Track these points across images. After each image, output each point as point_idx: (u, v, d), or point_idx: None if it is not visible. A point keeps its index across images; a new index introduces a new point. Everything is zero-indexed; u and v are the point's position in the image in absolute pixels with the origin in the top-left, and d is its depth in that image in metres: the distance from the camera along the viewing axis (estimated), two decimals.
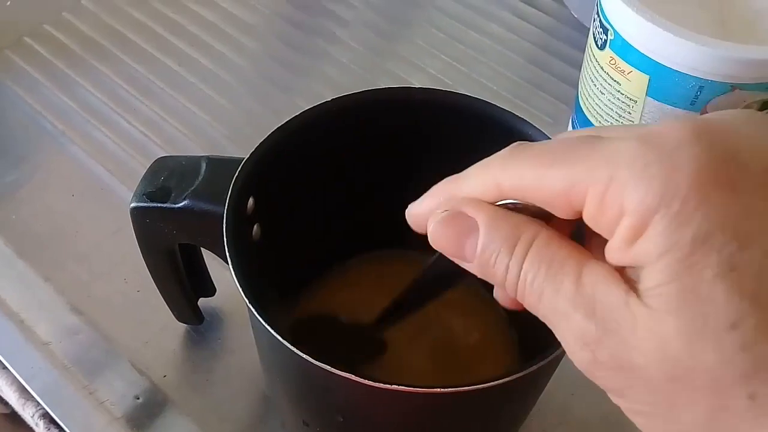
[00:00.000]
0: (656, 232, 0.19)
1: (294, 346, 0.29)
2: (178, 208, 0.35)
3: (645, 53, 0.43)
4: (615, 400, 0.22)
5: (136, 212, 0.37)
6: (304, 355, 0.29)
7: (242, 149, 0.57)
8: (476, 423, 0.34)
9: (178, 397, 0.45)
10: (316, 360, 0.29)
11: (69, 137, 0.58)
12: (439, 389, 0.28)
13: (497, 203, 0.23)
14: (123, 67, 0.63)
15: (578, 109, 0.53)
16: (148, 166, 0.38)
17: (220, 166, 0.36)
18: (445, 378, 0.40)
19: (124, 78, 0.62)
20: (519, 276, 0.22)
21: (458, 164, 0.40)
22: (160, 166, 0.37)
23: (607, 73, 0.47)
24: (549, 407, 0.44)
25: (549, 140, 0.23)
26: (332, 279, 0.44)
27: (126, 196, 0.54)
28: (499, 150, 0.37)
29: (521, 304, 0.23)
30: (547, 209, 0.22)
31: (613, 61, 0.46)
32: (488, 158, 0.24)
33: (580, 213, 0.21)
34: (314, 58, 0.64)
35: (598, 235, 0.21)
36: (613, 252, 0.20)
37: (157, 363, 0.47)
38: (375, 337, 0.39)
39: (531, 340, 0.40)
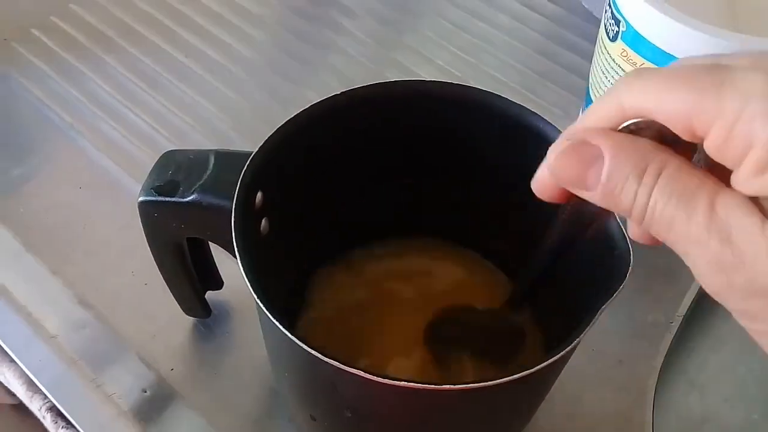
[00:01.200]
0: None
1: (302, 341, 0.29)
2: (186, 202, 0.35)
3: (657, 45, 0.43)
4: (744, 322, 0.22)
5: (144, 206, 0.36)
6: (313, 351, 0.29)
7: (250, 141, 0.57)
8: (484, 419, 0.34)
9: (185, 390, 0.45)
10: (323, 355, 0.28)
11: (77, 130, 0.58)
12: (447, 386, 0.28)
13: (621, 126, 0.23)
14: (130, 59, 0.63)
15: (589, 101, 0.52)
16: (156, 159, 0.37)
17: (228, 160, 0.36)
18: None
19: (132, 70, 0.62)
20: (648, 204, 0.22)
21: (469, 158, 0.40)
22: (168, 159, 0.37)
23: (619, 66, 0.46)
24: (559, 402, 0.44)
25: (672, 65, 0.23)
26: (342, 271, 0.44)
27: (134, 189, 0.53)
28: (509, 144, 0.37)
29: (650, 237, 0.24)
30: (671, 130, 0.22)
31: (624, 53, 0.45)
32: (615, 83, 0.24)
33: (700, 138, 0.21)
34: (322, 49, 0.64)
35: (717, 166, 0.22)
36: (742, 182, 0.21)
37: (164, 356, 0.47)
38: (513, 325, 0.39)
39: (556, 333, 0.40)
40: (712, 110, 0.20)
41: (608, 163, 0.23)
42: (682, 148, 0.23)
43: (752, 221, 0.21)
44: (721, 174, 0.22)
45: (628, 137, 0.23)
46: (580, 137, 0.23)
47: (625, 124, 0.23)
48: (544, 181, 0.26)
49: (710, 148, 0.21)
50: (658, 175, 0.22)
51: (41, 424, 0.55)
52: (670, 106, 0.21)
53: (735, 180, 0.21)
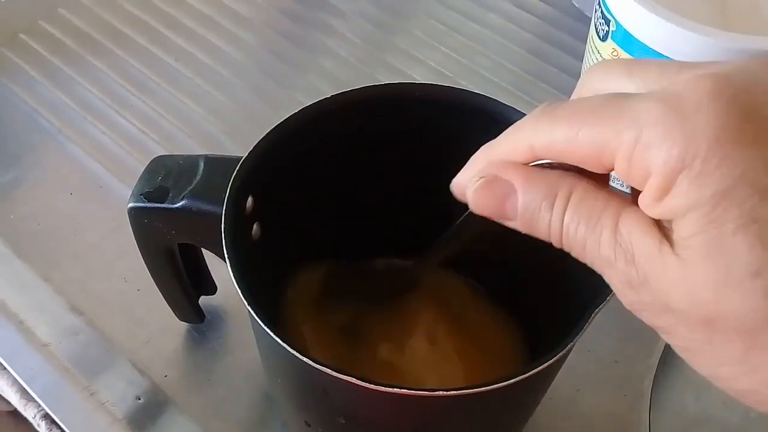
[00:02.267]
0: (681, 191, 0.20)
1: (294, 348, 0.29)
2: (176, 208, 0.35)
3: (647, 44, 0.43)
4: (664, 337, 0.23)
5: (133, 212, 0.36)
6: (305, 359, 0.28)
7: (240, 145, 0.57)
8: (479, 425, 0.34)
9: (179, 397, 0.45)
10: (317, 363, 0.28)
11: (66, 135, 0.58)
12: (441, 392, 0.28)
13: (531, 164, 0.24)
14: (119, 63, 0.62)
15: None
16: (145, 163, 0.37)
17: (218, 165, 0.35)
18: (452, 376, 0.40)
19: (121, 74, 0.61)
20: (562, 230, 0.23)
21: (461, 161, 0.39)
22: (158, 165, 0.37)
23: None
24: (555, 403, 0.43)
25: (578, 100, 0.23)
26: (336, 274, 0.44)
27: (124, 194, 0.53)
28: None
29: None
30: (580, 167, 0.23)
31: (615, 53, 0.45)
32: (520, 120, 0.25)
33: (612, 169, 0.22)
34: (312, 52, 0.64)
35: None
36: (645, 206, 0.22)
37: (157, 363, 0.46)
38: (407, 277, 0.40)
39: (538, 336, 0.40)
40: (612, 142, 0.21)
41: (520, 196, 0.24)
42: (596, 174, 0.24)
43: (651, 242, 0.21)
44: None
45: (534, 169, 0.24)
46: (493, 173, 0.25)
47: (536, 164, 0.24)
48: (461, 192, 0.27)
49: (620, 175, 0.22)
50: (567, 200, 0.23)
51: (36, 431, 0.55)
52: (576, 148, 0.22)
53: (640, 204, 0.22)
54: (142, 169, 0.37)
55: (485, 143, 0.38)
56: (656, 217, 0.21)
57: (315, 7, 0.67)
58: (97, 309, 0.48)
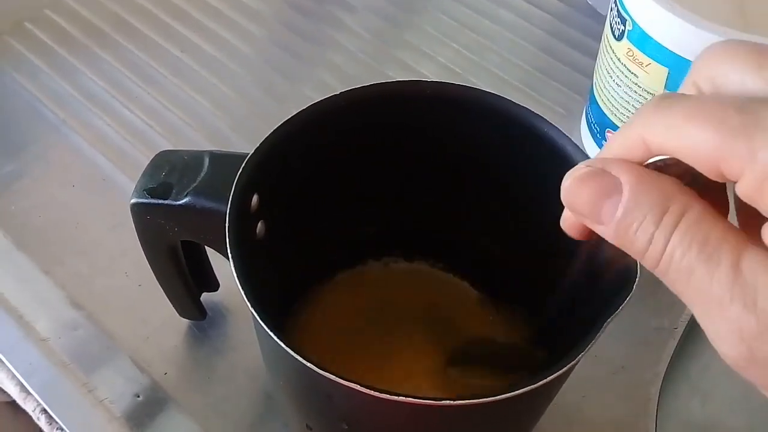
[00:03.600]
0: None
1: (297, 352, 0.28)
2: (180, 205, 0.34)
3: (664, 45, 0.42)
4: None
5: (136, 208, 0.35)
6: (308, 363, 0.28)
7: (246, 139, 0.56)
8: None
9: (179, 395, 0.44)
10: (321, 369, 0.28)
11: (70, 126, 0.57)
12: (446, 402, 0.27)
13: (646, 163, 0.21)
14: (125, 54, 0.61)
15: (593, 101, 0.51)
16: (150, 157, 0.36)
17: (223, 161, 0.35)
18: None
19: (127, 65, 0.61)
20: (665, 250, 0.20)
21: (470, 160, 0.39)
22: (162, 160, 0.36)
23: (624, 65, 0.45)
24: (560, 409, 0.42)
25: (705, 98, 0.21)
26: (340, 274, 0.43)
27: (128, 187, 0.52)
28: (512, 146, 0.36)
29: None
30: (696, 169, 0.20)
31: (630, 53, 0.44)
32: (634, 114, 0.22)
33: (730, 181, 0.20)
34: (321, 46, 0.63)
35: (753, 210, 0.20)
36: None
37: (158, 360, 0.46)
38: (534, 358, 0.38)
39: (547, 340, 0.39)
40: (743, 155, 0.19)
41: (626, 197, 0.21)
42: (711, 194, 0.21)
43: None
44: (748, 215, 0.20)
45: (651, 173, 0.21)
46: (600, 165, 0.22)
47: (650, 161, 0.21)
48: (567, 217, 0.24)
49: (742, 194, 0.19)
50: (680, 219, 0.20)
51: (36, 423, 0.55)
52: (695, 147, 0.20)
53: (765, 233, 0.19)
54: (147, 163, 0.36)
55: (498, 143, 0.37)
56: None
57: (325, 1, 0.66)
58: (97, 304, 0.48)
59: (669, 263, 0.20)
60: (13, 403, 0.64)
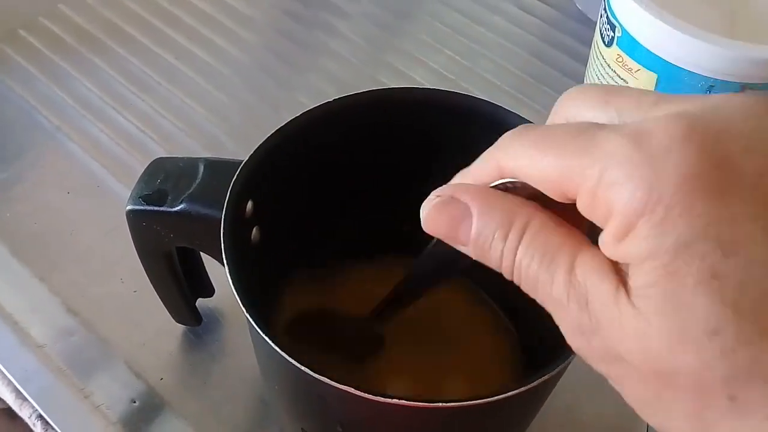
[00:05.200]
0: (641, 236, 0.19)
1: (292, 356, 0.28)
2: (175, 212, 0.34)
3: (653, 51, 0.42)
4: (614, 386, 0.22)
5: (132, 215, 0.36)
6: (303, 367, 0.28)
7: (241, 145, 0.56)
8: None
9: (175, 400, 0.45)
10: (315, 372, 0.28)
11: (64, 133, 0.57)
12: (440, 404, 0.28)
13: (494, 183, 0.23)
14: (120, 61, 0.62)
15: None
16: (145, 163, 0.37)
17: (218, 168, 0.35)
18: (446, 383, 0.40)
19: (121, 72, 0.61)
20: (514, 263, 0.22)
21: (462, 166, 0.39)
22: (157, 167, 0.36)
23: (614, 71, 0.46)
24: (552, 411, 0.43)
25: (552, 126, 0.22)
26: (335, 279, 0.43)
27: (122, 194, 0.53)
28: None
29: None
30: (543, 192, 0.22)
31: (620, 59, 0.45)
32: (497, 141, 0.24)
33: (574, 200, 0.21)
34: (314, 52, 0.63)
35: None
36: (604, 246, 0.21)
37: (153, 365, 0.46)
38: (374, 333, 0.39)
39: (534, 341, 0.40)
40: (577, 175, 0.20)
41: (475, 220, 0.23)
42: (568, 212, 0.22)
43: (607, 288, 0.20)
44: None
45: (495, 193, 0.23)
46: (449, 193, 0.24)
47: (497, 183, 0.23)
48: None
49: (581, 209, 0.21)
50: (522, 232, 0.22)
51: (31, 429, 0.55)
52: (541, 172, 0.21)
53: (600, 243, 0.21)
54: (141, 169, 0.37)
55: (485, 148, 0.38)
56: (614, 260, 0.20)
57: (317, 8, 0.67)
58: (93, 310, 0.48)
59: (519, 274, 0.22)
60: (9, 410, 0.64)
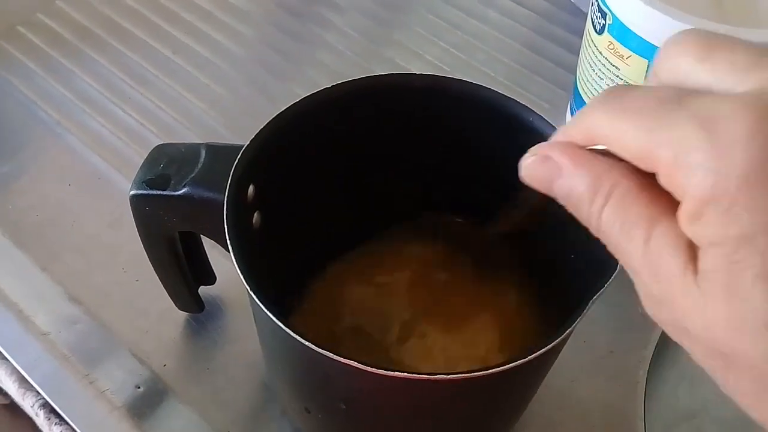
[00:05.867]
0: (708, 223, 0.20)
1: (297, 333, 0.29)
2: (178, 195, 0.35)
3: (643, 37, 0.43)
4: (688, 350, 0.23)
5: (135, 200, 0.36)
6: (306, 342, 0.29)
7: (239, 137, 0.56)
8: (479, 409, 0.34)
9: (178, 386, 0.45)
10: (317, 347, 0.29)
11: (64, 127, 0.58)
12: (440, 376, 0.28)
13: (590, 147, 0.24)
14: (118, 56, 0.62)
15: (576, 94, 0.52)
16: (144, 155, 0.37)
17: (219, 153, 0.36)
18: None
19: (119, 67, 0.62)
20: (599, 225, 0.23)
21: (459, 149, 0.40)
22: (160, 153, 0.37)
23: (606, 58, 0.47)
24: (551, 393, 0.44)
25: (640, 91, 0.23)
26: (334, 266, 0.44)
27: (123, 185, 0.53)
28: (499, 134, 0.38)
29: None
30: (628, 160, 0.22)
31: (611, 46, 0.46)
32: (589, 101, 0.24)
33: (652, 170, 0.22)
34: (310, 46, 0.64)
35: None
36: (681, 222, 0.21)
37: (157, 352, 0.47)
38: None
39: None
40: (654, 152, 0.21)
41: (565, 181, 0.24)
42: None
43: (677, 263, 0.21)
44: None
45: (585, 155, 0.24)
46: (545, 152, 0.24)
47: (591, 148, 0.24)
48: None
49: (661, 183, 0.22)
50: (608, 197, 0.23)
51: (33, 424, 0.55)
52: (621, 143, 0.22)
53: (678, 218, 0.21)
54: (141, 161, 0.37)
55: (483, 133, 0.39)
56: (690, 237, 0.21)
57: (313, 2, 0.67)
58: (96, 299, 0.49)
59: (603, 235, 0.23)
60: (10, 406, 0.64)
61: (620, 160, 0.23)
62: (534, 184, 0.25)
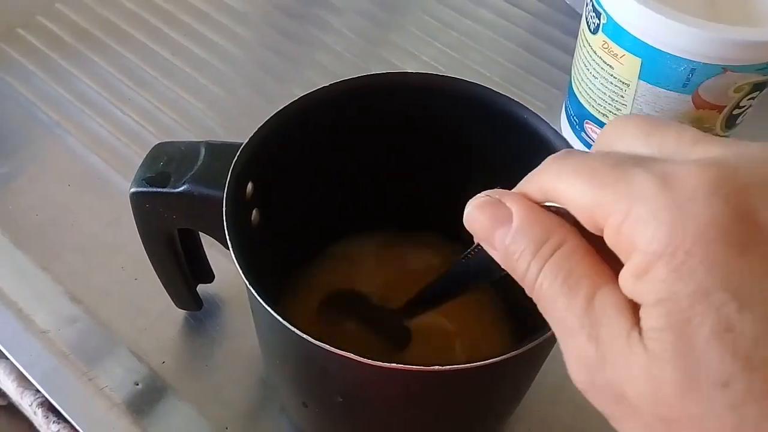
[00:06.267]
0: (659, 278, 0.19)
1: (294, 326, 0.29)
2: (178, 192, 0.35)
3: (637, 36, 0.44)
4: (612, 423, 0.22)
5: (135, 197, 0.37)
6: (303, 334, 0.29)
7: (237, 137, 0.56)
8: (474, 402, 0.35)
9: (177, 383, 0.46)
10: (315, 339, 0.29)
11: (64, 128, 0.58)
12: (437, 368, 0.28)
13: (542, 204, 0.24)
14: (116, 58, 0.63)
15: (571, 94, 0.53)
16: (143, 156, 0.38)
17: (218, 151, 0.36)
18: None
19: (118, 68, 0.62)
20: (537, 278, 0.22)
21: (455, 149, 0.41)
22: (159, 151, 0.37)
23: (600, 57, 0.47)
24: (544, 389, 0.44)
25: (592, 155, 0.23)
26: (330, 263, 0.45)
27: (121, 185, 0.54)
28: (495, 131, 0.38)
29: None
30: (577, 219, 0.22)
31: (605, 45, 0.46)
32: (543, 162, 0.24)
33: (600, 229, 0.21)
34: (308, 46, 0.65)
35: None
36: (623, 282, 0.21)
37: (155, 350, 0.47)
38: (402, 326, 0.40)
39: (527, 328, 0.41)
40: (606, 207, 0.21)
41: (514, 226, 0.23)
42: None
43: (622, 325, 0.20)
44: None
45: (539, 209, 0.23)
46: (497, 196, 0.24)
47: (546, 204, 0.24)
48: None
49: (607, 240, 0.21)
50: (554, 251, 0.22)
51: (31, 425, 0.55)
52: (575, 199, 0.22)
53: (620, 279, 0.21)
54: (140, 162, 0.37)
55: (478, 131, 0.39)
56: (630, 297, 0.21)
57: (310, 3, 0.68)
58: (95, 297, 0.49)
59: (540, 290, 0.22)
60: (7, 408, 0.65)
61: (571, 222, 0.23)
62: (475, 227, 0.25)
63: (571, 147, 0.32)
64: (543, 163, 0.24)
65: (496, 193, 0.24)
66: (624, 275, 0.20)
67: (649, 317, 0.20)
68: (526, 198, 0.24)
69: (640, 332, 0.20)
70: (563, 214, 0.23)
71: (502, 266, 0.24)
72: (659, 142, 0.22)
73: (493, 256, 0.24)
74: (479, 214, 0.24)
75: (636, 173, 0.20)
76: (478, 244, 0.26)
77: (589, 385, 0.21)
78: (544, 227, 0.23)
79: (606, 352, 0.20)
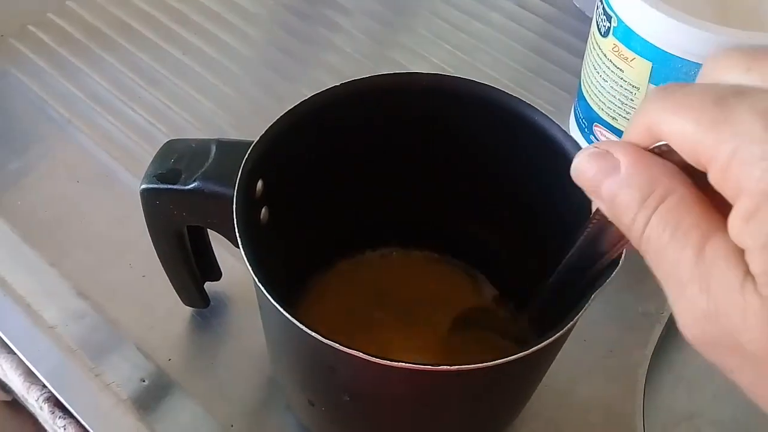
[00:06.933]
0: (767, 220, 0.19)
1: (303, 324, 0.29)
2: (188, 189, 0.36)
3: (648, 40, 0.44)
4: (728, 376, 0.22)
5: (146, 194, 0.37)
6: (312, 333, 0.29)
7: (246, 137, 0.57)
8: (481, 402, 0.35)
9: (183, 379, 0.46)
10: (322, 337, 0.29)
11: (74, 125, 0.58)
12: (444, 367, 0.29)
13: (650, 147, 0.23)
14: (127, 56, 0.63)
15: (580, 97, 0.53)
16: (153, 154, 0.38)
17: (229, 148, 0.36)
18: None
19: (129, 66, 0.62)
20: (643, 230, 0.22)
21: (466, 149, 0.41)
22: (170, 148, 0.37)
23: (610, 60, 0.47)
24: (550, 391, 0.44)
25: (696, 87, 0.22)
26: (340, 263, 0.45)
27: (131, 183, 0.54)
28: (505, 134, 0.38)
29: None
30: (682, 156, 0.22)
31: (616, 49, 0.46)
32: (645, 99, 0.23)
33: (706, 169, 0.21)
34: (317, 47, 0.65)
35: None
36: (731, 226, 0.20)
37: (162, 346, 0.47)
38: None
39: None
40: (710, 147, 0.20)
41: (621, 176, 0.23)
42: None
43: (735, 274, 0.20)
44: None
45: (648, 157, 0.23)
46: (605, 147, 0.24)
47: (654, 146, 0.23)
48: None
49: (712, 181, 0.21)
50: (660, 202, 0.22)
51: (34, 420, 0.56)
52: (679, 136, 0.21)
53: (729, 224, 0.20)
54: (150, 159, 0.38)
55: (490, 131, 0.39)
56: (740, 243, 0.20)
57: (320, 4, 0.68)
58: (103, 294, 0.49)
59: (647, 242, 0.22)
60: (11, 403, 0.65)
61: (679, 161, 0.22)
62: (581, 180, 0.24)
63: (581, 148, 0.32)
64: (645, 99, 0.23)
65: (604, 144, 0.24)
66: (732, 220, 0.20)
67: (760, 261, 0.19)
68: (634, 146, 0.23)
69: (754, 281, 0.19)
70: (671, 153, 0.22)
71: (608, 217, 0.24)
72: (760, 76, 0.22)
73: (599, 207, 0.24)
74: (587, 166, 0.24)
75: (740, 111, 0.20)
76: (593, 217, 0.26)
77: (701, 338, 0.21)
78: (651, 177, 0.22)
79: (719, 303, 0.20)
